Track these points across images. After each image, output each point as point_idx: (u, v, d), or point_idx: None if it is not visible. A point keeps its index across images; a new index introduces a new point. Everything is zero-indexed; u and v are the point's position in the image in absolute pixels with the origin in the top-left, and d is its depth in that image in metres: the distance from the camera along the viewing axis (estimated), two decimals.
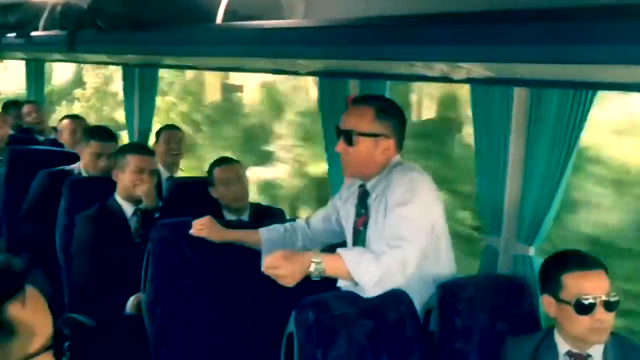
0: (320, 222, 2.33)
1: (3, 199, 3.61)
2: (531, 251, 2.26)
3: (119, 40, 2.99)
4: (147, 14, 2.78)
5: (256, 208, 3.10)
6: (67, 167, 3.39)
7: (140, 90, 4.15)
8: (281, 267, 1.84)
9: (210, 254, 2.43)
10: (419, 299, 2.03)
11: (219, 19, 2.53)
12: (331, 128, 2.42)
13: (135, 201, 2.88)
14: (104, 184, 3.06)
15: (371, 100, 2.17)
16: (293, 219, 2.51)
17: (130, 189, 2.86)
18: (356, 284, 1.89)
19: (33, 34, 3.82)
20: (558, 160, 2.12)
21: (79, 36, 3.29)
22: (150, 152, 3.03)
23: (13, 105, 5.02)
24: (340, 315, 1.91)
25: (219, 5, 2.53)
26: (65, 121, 4.33)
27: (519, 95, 2.20)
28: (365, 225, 2.12)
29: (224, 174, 3.02)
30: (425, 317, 2.10)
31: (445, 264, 2.14)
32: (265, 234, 2.34)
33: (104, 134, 3.41)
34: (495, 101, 2.24)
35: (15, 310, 1.01)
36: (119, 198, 2.88)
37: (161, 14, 2.74)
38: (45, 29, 3.79)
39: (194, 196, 3.12)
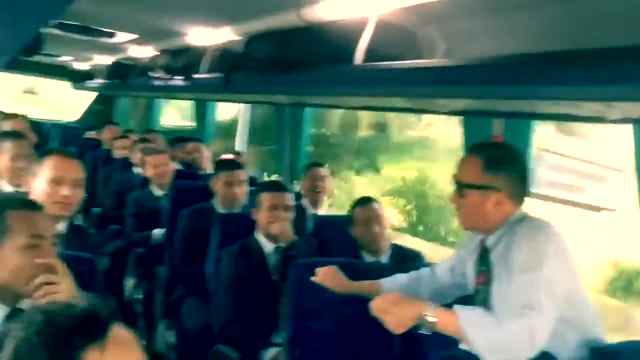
0: (446, 273, 2.19)
1: (168, 233, 3.86)
2: None
3: (267, 82, 3.12)
4: (292, 56, 2.88)
5: (396, 250, 3.03)
6: (206, 204, 3.58)
7: (291, 128, 4.30)
8: (389, 310, 1.75)
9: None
10: None
11: (359, 59, 2.53)
12: None
13: (274, 239, 2.94)
14: (248, 219, 3.18)
15: (482, 149, 2.02)
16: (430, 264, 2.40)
17: (266, 226, 2.93)
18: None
19: (195, 76, 4.13)
20: None
21: (233, 78, 3.49)
22: (284, 189, 3.05)
23: (179, 141, 5.45)
24: None
25: (358, 45, 2.54)
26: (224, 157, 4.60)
27: None
28: (486, 283, 1.96)
29: (363, 213, 3.00)
30: None
31: (591, 331, 1.90)
32: (386, 285, 2.25)
33: (231, 164, 3.67)
34: None
35: (91, 358, 0.98)
36: (258, 236, 2.97)
37: (305, 55, 2.82)
38: (206, 71, 4.07)
39: (338, 234, 3.13)
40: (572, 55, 1.72)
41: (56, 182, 2.31)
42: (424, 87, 2.38)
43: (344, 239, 3.02)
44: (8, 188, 3.02)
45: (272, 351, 2.70)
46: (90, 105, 9.90)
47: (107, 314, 1.03)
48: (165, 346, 3.57)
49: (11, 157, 3.02)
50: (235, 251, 2.93)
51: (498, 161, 1.93)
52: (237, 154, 4.69)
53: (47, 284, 1.64)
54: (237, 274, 2.87)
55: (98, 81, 7.78)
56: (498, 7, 2.14)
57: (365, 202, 3.05)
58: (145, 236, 4.14)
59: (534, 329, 1.70)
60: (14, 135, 3.24)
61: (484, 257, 1.99)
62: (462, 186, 1.95)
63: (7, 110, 5.77)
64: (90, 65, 7.91)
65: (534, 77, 1.86)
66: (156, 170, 4.35)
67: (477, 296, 1.99)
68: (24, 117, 4.36)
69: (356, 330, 2.39)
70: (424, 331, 1.77)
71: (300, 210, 3.41)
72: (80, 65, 8.33)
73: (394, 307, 1.79)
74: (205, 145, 5.34)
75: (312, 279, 2.31)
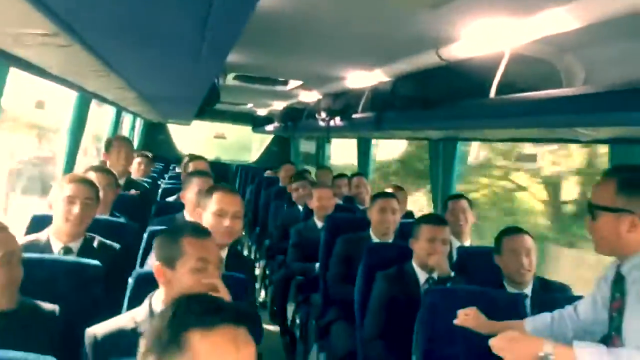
0: (588, 308, 2.09)
1: (322, 260, 4.10)
2: None
3: (411, 118, 3.28)
4: (432, 93, 3.02)
5: (541, 282, 2.95)
6: (362, 233, 3.76)
7: (443, 163, 4.39)
8: (508, 348, 1.77)
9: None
10: None
11: (493, 92, 2.60)
12: None
13: (429, 269, 3.05)
14: (398, 249, 3.33)
15: (618, 171, 1.95)
16: (579, 297, 2.33)
17: (423, 257, 3.04)
18: None
19: (353, 116, 4.42)
20: None
21: (384, 116, 3.71)
22: (443, 222, 3.15)
23: (342, 177, 5.76)
24: None
25: (495, 79, 2.61)
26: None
27: None
28: (619, 312, 1.88)
29: (512, 243, 2.95)
30: None
31: None
32: (530, 324, 2.22)
33: (386, 193, 3.90)
34: None
35: (193, 336, 1.13)
36: (414, 264, 3.09)
37: (444, 92, 2.95)
38: (362, 111, 4.35)
39: (481, 265, 3.14)
40: None
41: (220, 214, 2.63)
42: (564, 116, 2.37)
43: (487, 270, 3.02)
44: (189, 218, 3.42)
45: None
46: (268, 147, 10.88)
47: (227, 314, 1.17)
48: None
49: (197, 191, 3.35)
50: (391, 274, 3.07)
51: (633, 183, 1.87)
52: (398, 187, 4.85)
53: None
54: (389, 295, 3.00)
55: (274, 125, 8.50)
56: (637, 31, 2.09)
57: (515, 232, 3.02)
58: (308, 268, 4.41)
59: None
60: (200, 173, 3.67)
61: (618, 283, 1.92)
62: (594, 209, 1.91)
63: (201, 153, 6.54)
64: (268, 111, 8.68)
65: None
66: (320, 202, 4.63)
67: (612, 324, 1.91)
68: (204, 158, 4.96)
69: (488, 357, 2.39)
70: None
71: None
72: (260, 112, 9.18)
73: (512, 344, 1.82)
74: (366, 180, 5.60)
75: (455, 322, 2.35)
